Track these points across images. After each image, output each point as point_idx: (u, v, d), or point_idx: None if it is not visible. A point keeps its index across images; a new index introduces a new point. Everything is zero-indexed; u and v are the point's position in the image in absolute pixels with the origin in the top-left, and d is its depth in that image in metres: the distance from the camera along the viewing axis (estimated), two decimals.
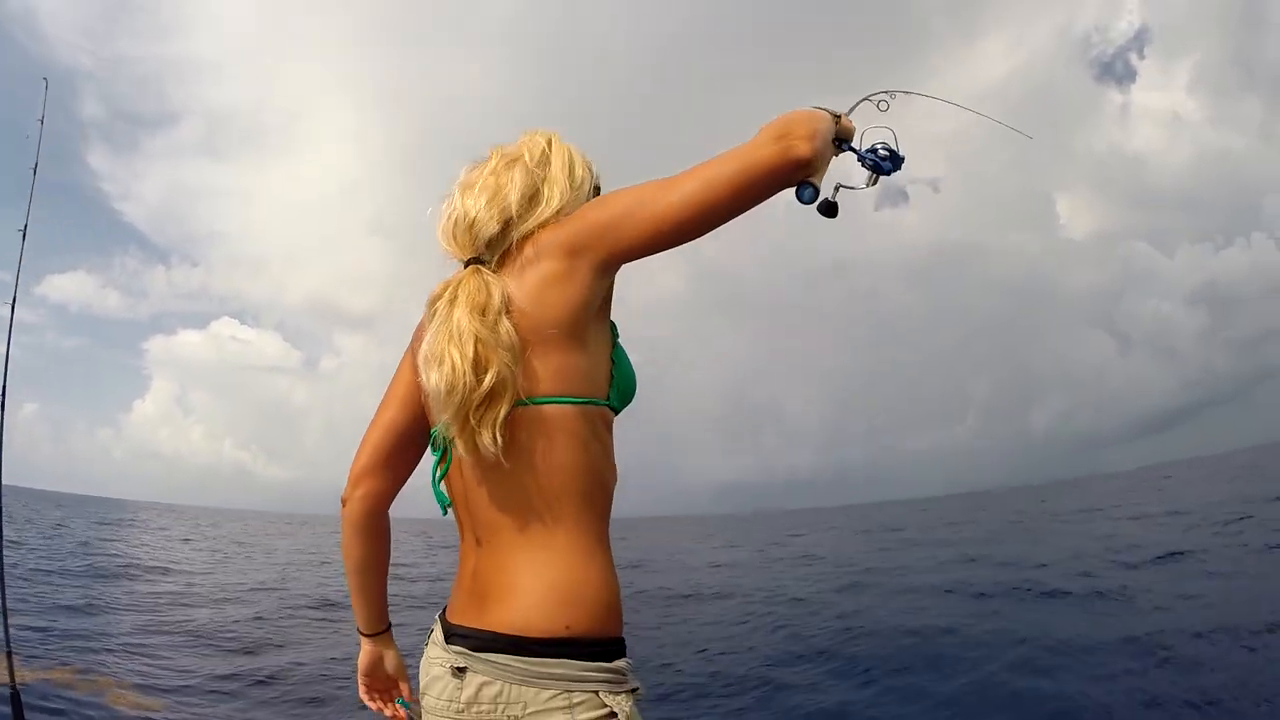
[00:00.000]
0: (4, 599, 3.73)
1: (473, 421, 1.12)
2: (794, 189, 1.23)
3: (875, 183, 1.48)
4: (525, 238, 1.23)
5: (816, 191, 1.25)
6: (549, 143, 1.36)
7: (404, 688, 1.50)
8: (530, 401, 1.14)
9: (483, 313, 1.14)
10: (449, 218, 1.28)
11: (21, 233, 4.16)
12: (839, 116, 1.33)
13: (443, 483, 1.26)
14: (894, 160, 1.46)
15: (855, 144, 1.46)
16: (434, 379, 1.13)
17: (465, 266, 1.24)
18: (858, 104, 1.56)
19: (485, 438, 1.11)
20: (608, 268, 1.20)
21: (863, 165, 1.45)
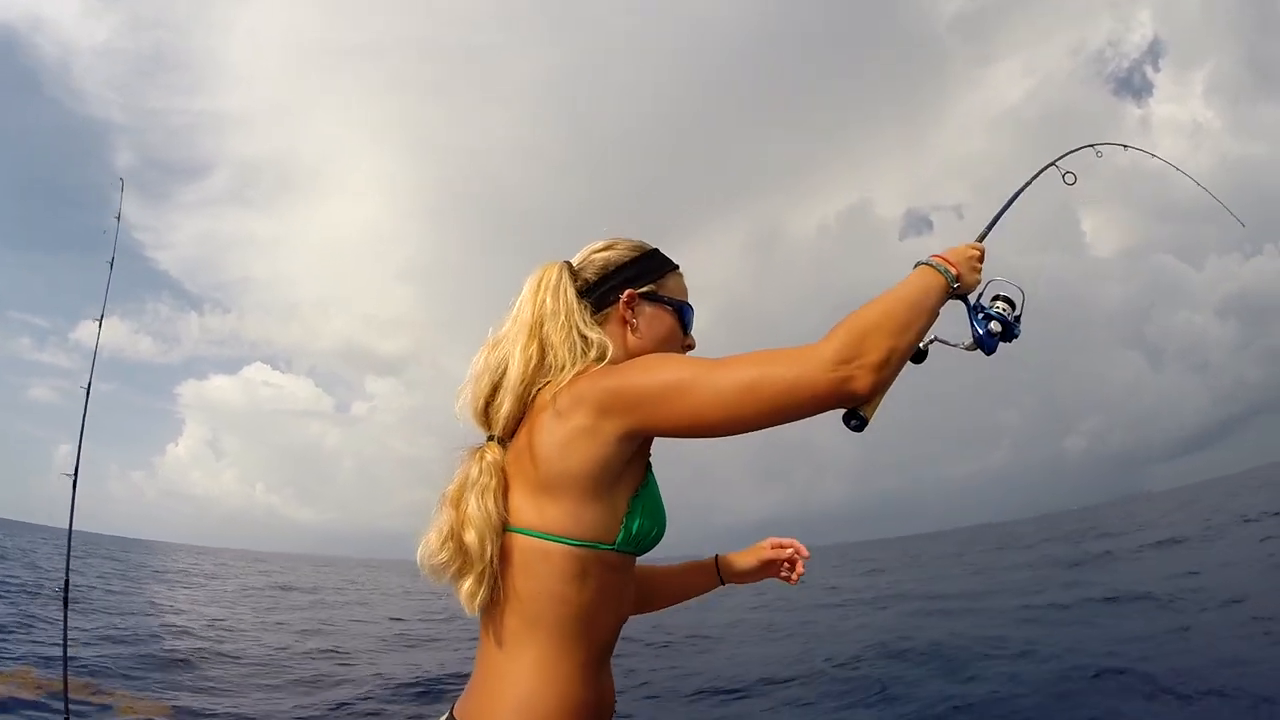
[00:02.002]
0: (65, 632, 4.01)
1: (454, 588, 1.25)
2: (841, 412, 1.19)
3: (973, 350, 1.40)
4: (552, 390, 1.27)
5: (864, 424, 1.19)
6: (540, 295, 1.36)
7: (778, 552, 1.71)
8: (530, 534, 1.23)
9: (456, 502, 1.26)
10: (462, 405, 1.36)
11: (98, 321, 4.39)
12: (958, 280, 1.30)
13: None
14: (1006, 335, 1.38)
15: (976, 296, 1.38)
16: (417, 554, 1.27)
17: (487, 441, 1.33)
18: (1036, 175, 1.57)
19: (464, 604, 1.24)
20: (633, 438, 1.22)
21: (971, 326, 1.38)
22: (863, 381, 1.11)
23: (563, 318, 1.33)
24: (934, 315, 1.25)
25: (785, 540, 1.72)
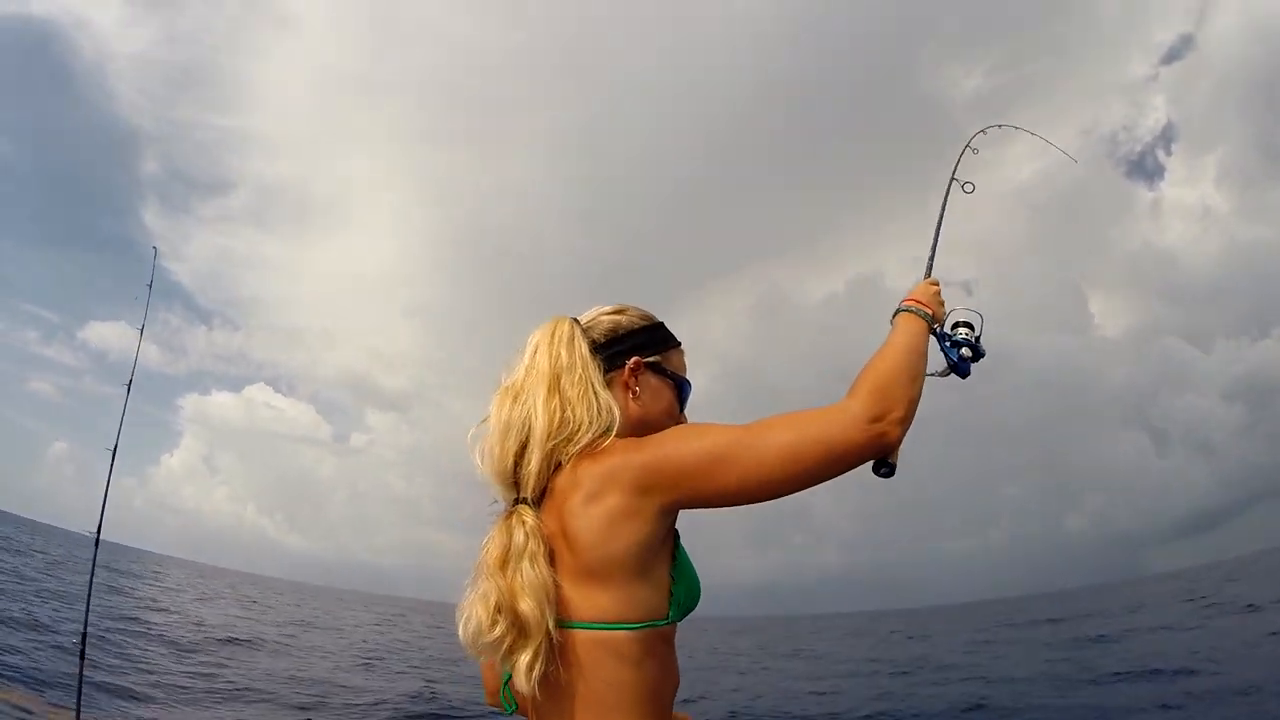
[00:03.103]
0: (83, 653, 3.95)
1: (507, 664, 1.18)
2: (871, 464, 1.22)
3: (947, 375, 1.49)
4: (581, 460, 1.23)
5: (894, 470, 1.23)
6: (554, 347, 1.33)
7: None
8: (588, 627, 1.17)
9: (502, 568, 1.19)
10: (484, 461, 1.30)
11: (127, 387, 4.45)
12: (935, 321, 1.40)
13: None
14: (976, 357, 1.48)
15: (944, 327, 1.47)
16: (460, 632, 1.20)
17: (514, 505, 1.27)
18: (946, 196, 1.68)
19: (521, 682, 1.16)
20: (676, 509, 1.21)
21: (945, 357, 1.47)
22: (894, 435, 1.18)
23: (579, 372, 1.31)
24: (926, 356, 1.33)
25: None
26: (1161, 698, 9.47)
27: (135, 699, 8.09)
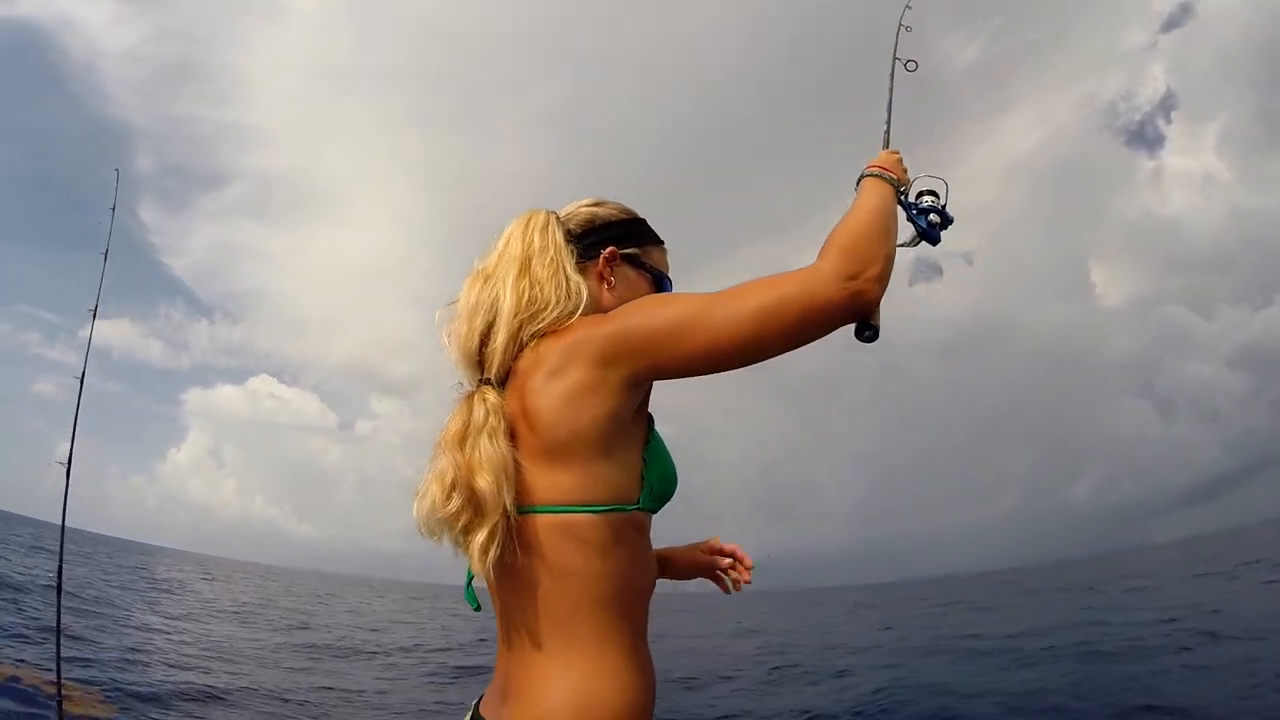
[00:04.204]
0: (59, 637, 3.98)
1: (461, 544, 1.13)
2: (853, 326, 1.17)
3: (916, 244, 1.45)
4: (544, 339, 1.19)
5: (878, 333, 1.18)
6: (528, 233, 1.29)
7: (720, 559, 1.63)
8: (550, 510, 1.12)
9: (460, 443, 1.14)
10: (450, 343, 1.27)
11: (92, 313, 4.42)
12: (900, 185, 1.35)
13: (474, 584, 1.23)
14: (944, 224, 1.44)
15: (909, 196, 1.43)
16: (414, 510, 1.15)
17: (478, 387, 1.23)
18: (892, 75, 1.67)
19: (475, 563, 1.12)
20: (644, 381, 1.15)
21: (913, 225, 1.43)
22: (873, 293, 1.12)
23: (550, 255, 1.27)
24: (896, 218, 1.28)
25: (728, 546, 1.63)
26: (1180, 642, 9.83)
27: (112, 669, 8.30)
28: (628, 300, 1.26)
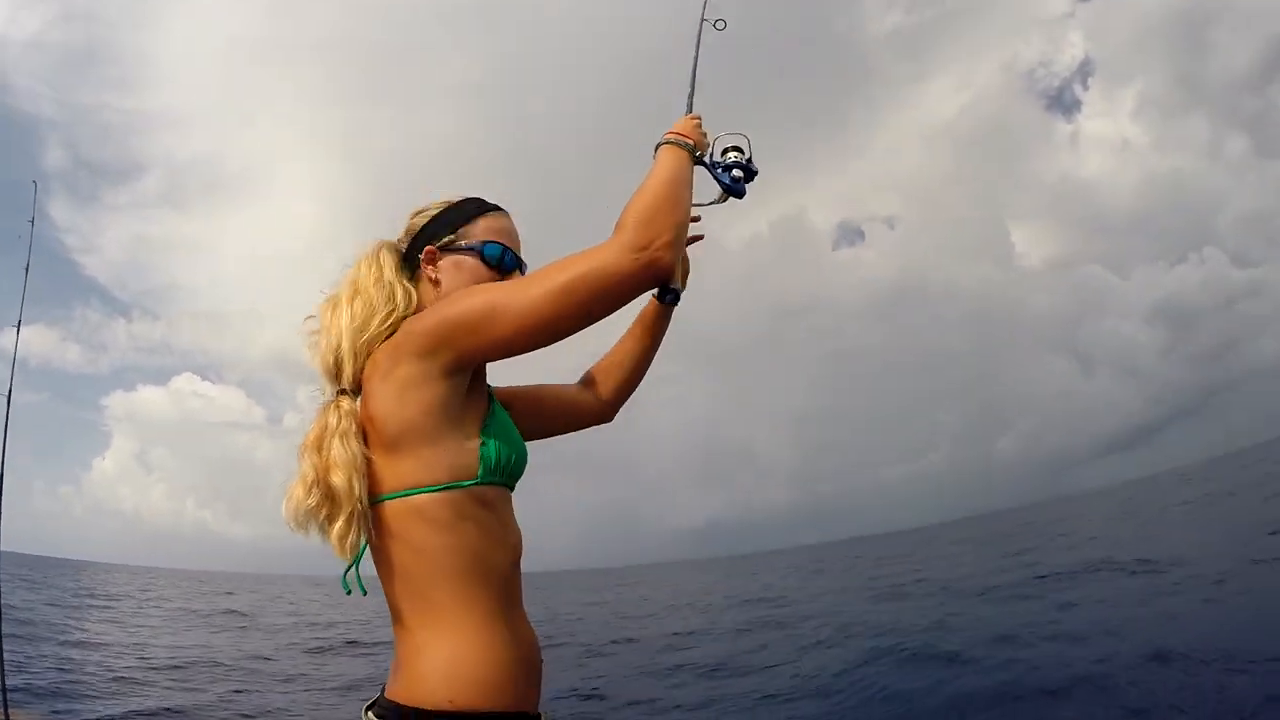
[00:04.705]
0: (2, 663, 3.93)
1: (324, 534, 1.25)
2: (654, 292, 1.25)
3: (725, 201, 1.51)
4: (380, 346, 1.30)
5: (678, 295, 1.27)
6: (360, 260, 1.42)
7: None
8: (389, 497, 1.24)
9: (318, 447, 1.27)
10: (312, 358, 1.38)
11: (16, 328, 4.31)
12: (697, 149, 1.38)
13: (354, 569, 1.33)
14: (749, 175, 1.49)
15: (708, 155, 1.47)
16: (283, 509, 1.27)
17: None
18: (699, 36, 1.67)
19: (336, 549, 1.24)
20: (463, 368, 1.26)
21: (717, 182, 1.48)
22: (665, 259, 1.19)
23: (375, 270, 1.39)
24: (691, 184, 1.33)
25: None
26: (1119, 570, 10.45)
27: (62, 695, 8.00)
28: (454, 285, 1.39)
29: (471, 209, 1.46)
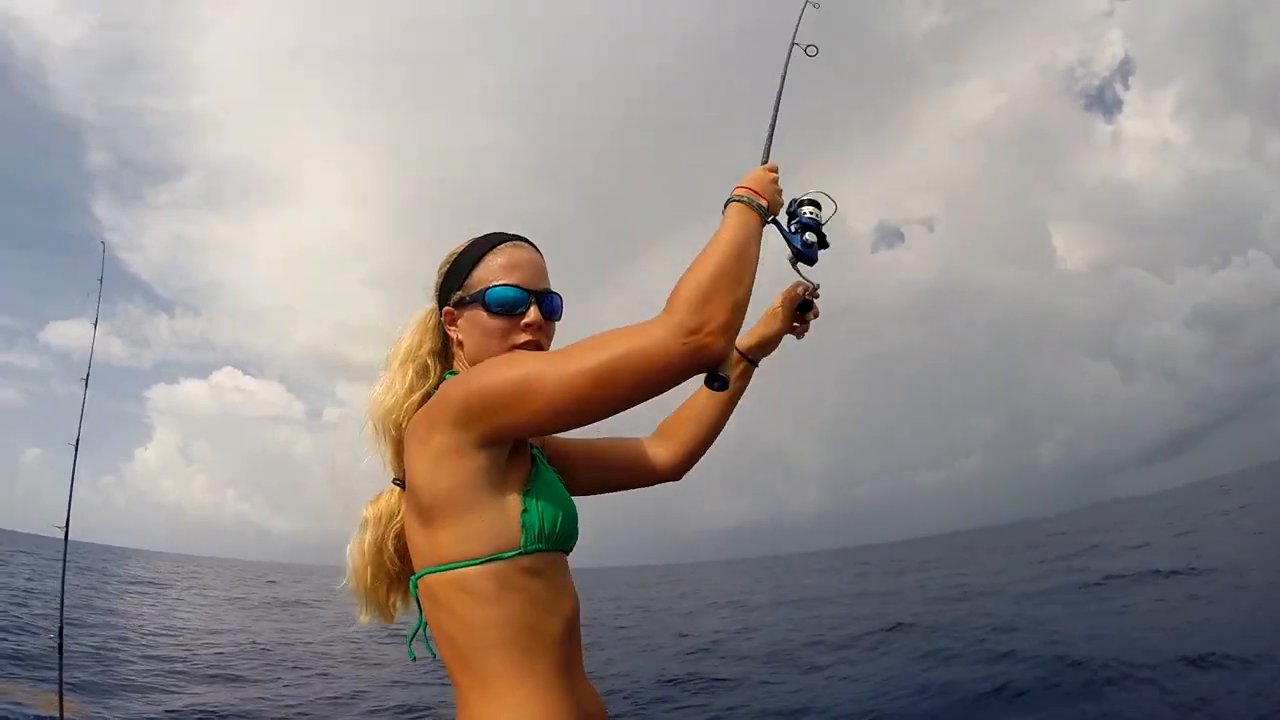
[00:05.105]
0: (61, 643, 4.09)
1: (376, 611, 1.37)
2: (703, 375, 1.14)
3: (794, 264, 1.41)
4: (417, 413, 1.28)
5: (727, 382, 1.17)
6: (402, 337, 1.40)
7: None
8: (434, 570, 1.20)
9: (365, 527, 1.35)
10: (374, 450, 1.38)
11: (84, 381, 4.39)
12: (770, 212, 1.28)
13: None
14: (822, 241, 1.39)
15: (786, 212, 1.38)
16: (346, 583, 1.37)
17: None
18: (786, 64, 1.49)
19: (382, 620, 1.37)
20: (498, 442, 1.19)
21: (786, 244, 1.38)
22: (717, 346, 1.09)
23: (405, 347, 1.39)
24: (758, 254, 1.20)
25: (790, 287, 1.58)
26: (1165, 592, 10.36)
27: (113, 691, 8.06)
28: (472, 340, 1.33)
29: (477, 251, 1.36)
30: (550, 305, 1.35)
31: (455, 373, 1.35)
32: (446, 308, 1.36)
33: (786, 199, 1.38)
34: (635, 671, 9.34)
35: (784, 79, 1.50)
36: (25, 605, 13.58)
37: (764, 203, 1.25)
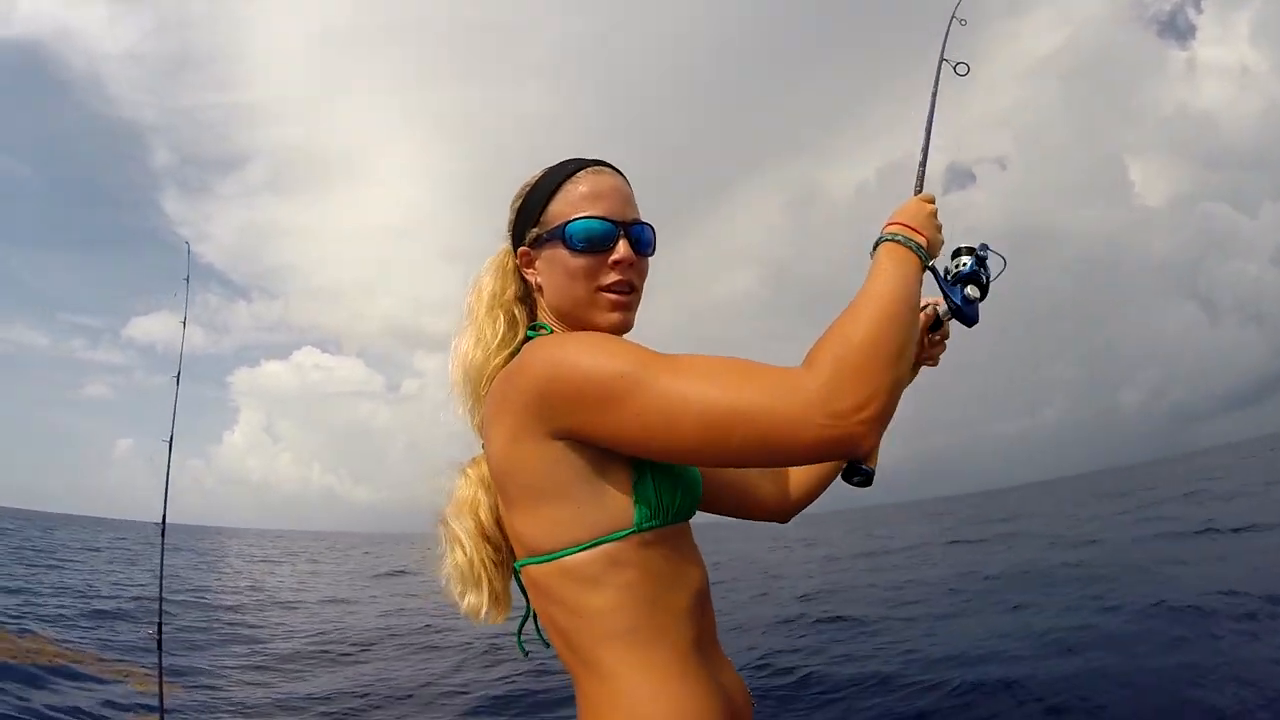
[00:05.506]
0: (160, 629, 4.17)
1: (476, 604, 1.15)
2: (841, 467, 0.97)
3: (948, 320, 1.24)
4: (495, 378, 1.09)
5: (870, 479, 1.01)
6: (478, 283, 1.22)
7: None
8: (538, 560, 1.03)
9: (455, 518, 1.15)
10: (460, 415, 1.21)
11: (175, 379, 4.52)
12: (931, 254, 1.08)
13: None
14: (983, 294, 1.19)
15: (945, 263, 1.19)
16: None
17: None
18: (936, 83, 1.33)
19: (482, 621, 1.15)
20: (570, 438, 0.99)
21: (945, 300, 1.20)
22: (867, 439, 0.88)
23: (483, 301, 1.20)
24: (919, 313, 1.03)
25: None
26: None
27: (214, 676, 8.00)
28: (552, 283, 1.15)
29: (553, 181, 1.15)
30: (642, 237, 1.14)
31: (541, 326, 1.17)
32: (522, 248, 1.17)
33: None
34: (761, 642, 8.43)
35: (934, 97, 1.34)
36: (124, 589, 14.04)
37: (923, 241, 1.06)
